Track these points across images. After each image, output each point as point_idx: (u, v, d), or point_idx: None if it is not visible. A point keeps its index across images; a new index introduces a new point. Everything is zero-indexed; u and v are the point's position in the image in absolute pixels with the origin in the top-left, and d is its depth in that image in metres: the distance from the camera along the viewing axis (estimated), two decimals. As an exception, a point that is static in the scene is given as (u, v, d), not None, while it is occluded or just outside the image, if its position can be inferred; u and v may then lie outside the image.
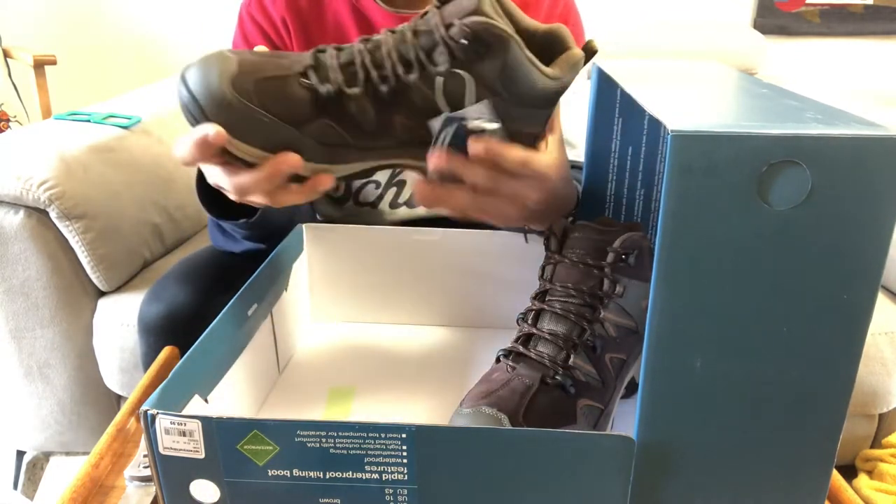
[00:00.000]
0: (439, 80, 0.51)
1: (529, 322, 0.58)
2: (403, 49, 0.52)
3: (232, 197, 0.57)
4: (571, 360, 0.55)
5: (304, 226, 0.77)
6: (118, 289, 1.20)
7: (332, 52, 0.53)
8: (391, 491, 0.45)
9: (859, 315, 0.40)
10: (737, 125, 0.37)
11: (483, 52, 0.50)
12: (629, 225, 0.61)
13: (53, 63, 1.95)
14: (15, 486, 1.30)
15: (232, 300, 0.59)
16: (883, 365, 1.20)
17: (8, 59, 2.04)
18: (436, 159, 0.55)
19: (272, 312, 0.68)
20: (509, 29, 0.50)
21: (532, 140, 0.57)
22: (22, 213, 1.09)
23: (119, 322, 1.16)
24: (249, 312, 0.62)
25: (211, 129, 0.50)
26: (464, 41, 0.50)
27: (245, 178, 0.54)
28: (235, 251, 0.87)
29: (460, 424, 0.52)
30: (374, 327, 0.79)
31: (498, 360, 0.59)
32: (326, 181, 0.55)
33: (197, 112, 0.51)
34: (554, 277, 0.59)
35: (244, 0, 0.94)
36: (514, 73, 0.51)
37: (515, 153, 0.55)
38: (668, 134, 0.36)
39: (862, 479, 1.23)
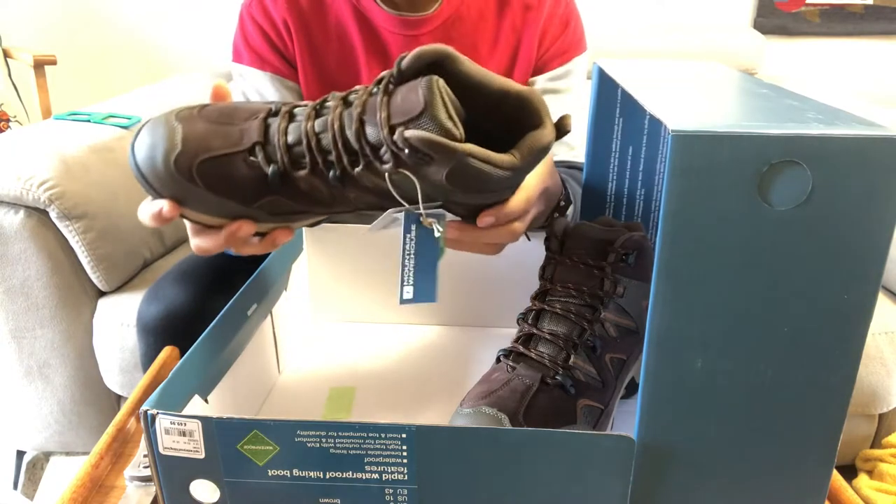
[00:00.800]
0: (387, 173, 0.48)
1: (529, 322, 0.58)
2: (349, 139, 0.48)
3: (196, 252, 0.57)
4: (571, 360, 0.55)
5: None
6: (118, 289, 1.20)
7: (282, 126, 0.50)
8: (391, 491, 0.45)
9: (860, 315, 0.40)
10: (737, 125, 0.37)
11: (428, 161, 0.47)
12: (630, 225, 0.61)
13: (53, 63, 1.94)
14: (15, 486, 1.30)
15: (232, 300, 0.59)
16: (883, 365, 1.19)
17: (8, 59, 2.04)
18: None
19: (272, 312, 0.68)
20: (455, 137, 0.46)
21: (501, 199, 0.54)
22: (22, 213, 1.09)
23: (119, 322, 1.16)
24: (249, 312, 0.62)
25: (165, 205, 0.50)
26: (406, 150, 0.46)
27: (205, 240, 0.54)
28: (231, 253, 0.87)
29: (460, 424, 0.52)
30: (374, 327, 0.79)
31: (498, 360, 0.59)
32: (285, 236, 0.55)
33: (146, 186, 0.51)
34: (554, 277, 0.59)
35: (245, 0, 0.94)
36: (464, 174, 0.47)
37: (485, 220, 0.53)
38: (669, 134, 0.36)
39: (862, 479, 1.23)
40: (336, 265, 0.78)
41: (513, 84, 0.49)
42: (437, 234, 0.53)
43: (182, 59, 2.12)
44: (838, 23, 2.12)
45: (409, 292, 0.54)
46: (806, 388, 0.41)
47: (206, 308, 0.82)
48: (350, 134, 0.48)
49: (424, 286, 0.54)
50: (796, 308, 0.39)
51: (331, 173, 0.49)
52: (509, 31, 0.93)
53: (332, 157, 0.49)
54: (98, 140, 1.24)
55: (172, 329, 0.86)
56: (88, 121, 1.31)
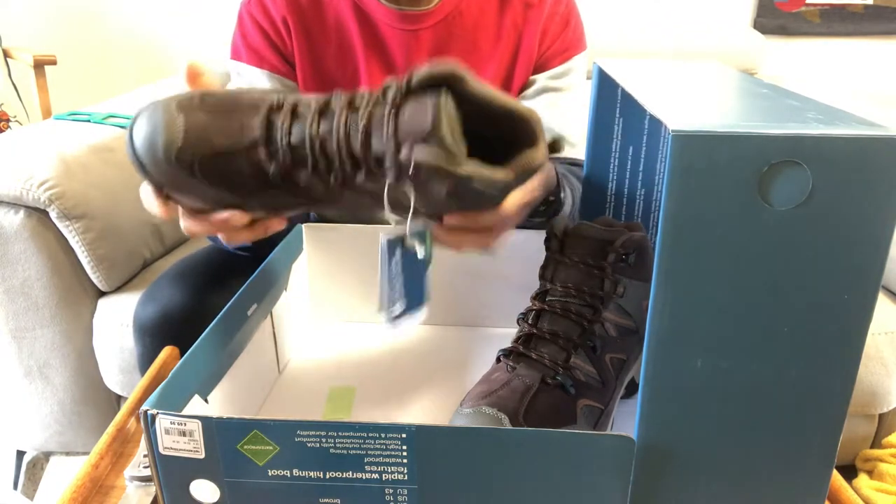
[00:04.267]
0: (387, 186, 0.49)
1: (530, 322, 0.58)
2: (354, 149, 0.48)
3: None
4: (572, 360, 0.55)
5: (303, 226, 0.77)
6: (118, 289, 1.20)
7: (285, 125, 0.50)
8: (391, 491, 0.45)
9: (860, 315, 0.40)
10: (738, 125, 0.37)
11: (428, 182, 0.48)
12: (629, 225, 0.61)
13: (53, 63, 1.95)
14: (15, 486, 1.30)
15: (231, 300, 0.59)
16: (883, 365, 1.19)
17: (8, 59, 2.04)
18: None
19: (272, 312, 0.68)
20: (458, 164, 0.47)
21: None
22: (22, 213, 1.09)
23: (119, 322, 1.16)
24: (249, 312, 0.62)
25: (161, 210, 0.52)
26: (411, 170, 0.47)
27: (195, 224, 0.54)
28: (230, 248, 0.87)
29: (460, 424, 0.52)
30: (374, 327, 0.79)
31: (498, 360, 0.59)
32: (278, 224, 0.55)
33: (142, 171, 0.51)
34: (554, 277, 0.59)
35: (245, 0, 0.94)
36: (464, 193, 0.48)
37: (451, 221, 0.53)
38: (669, 134, 0.36)
39: (862, 479, 1.23)
40: (336, 265, 0.78)
41: (515, 104, 0.50)
42: (420, 256, 0.55)
43: (182, 59, 2.12)
44: (838, 23, 2.12)
45: (399, 308, 0.56)
46: (806, 388, 0.41)
47: (203, 309, 0.82)
48: (355, 144, 0.48)
49: (415, 298, 0.56)
50: (796, 308, 0.39)
51: (332, 176, 0.49)
52: (510, 29, 0.93)
53: (336, 163, 0.49)
54: (98, 140, 1.24)
55: (168, 330, 0.86)
56: (88, 121, 1.31)
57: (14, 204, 1.09)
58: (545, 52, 0.94)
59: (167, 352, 0.76)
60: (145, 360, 0.90)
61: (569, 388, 0.54)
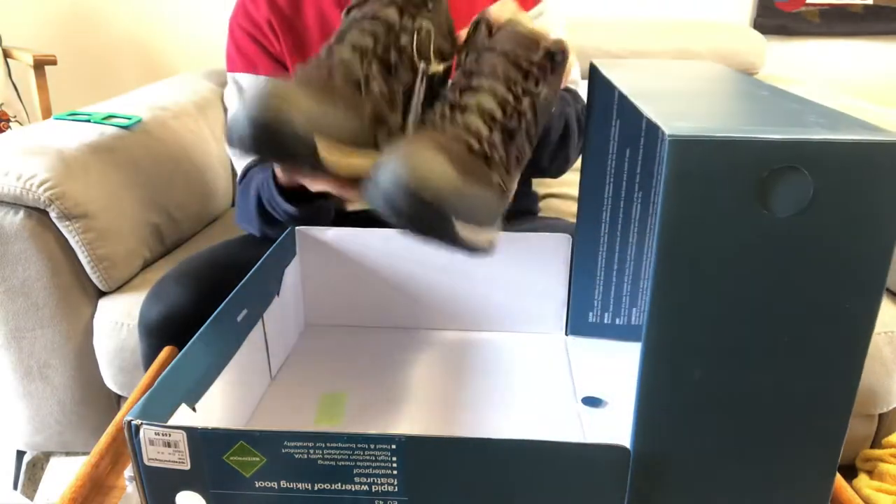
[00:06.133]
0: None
1: (456, 93, 0.59)
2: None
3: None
4: (495, 137, 0.56)
5: (296, 230, 0.76)
6: (118, 289, 1.20)
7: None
8: (381, 503, 0.45)
9: (862, 324, 0.39)
10: (736, 129, 0.36)
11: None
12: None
13: (53, 63, 1.94)
14: (15, 486, 1.30)
15: (221, 306, 0.58)
16: (883, 365, 1.19)
17: (8, 59, 2.04)
18: None
19: (263, 318, 0.67)
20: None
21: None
22: (22, 213, 1.09)
23: (119, 322, 1.16)
24: (239, 318, 0.62)
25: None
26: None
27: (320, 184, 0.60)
28: (256, 234, 0.91)
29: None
30: (367, 331, 0.79)
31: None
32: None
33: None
34: (480, 61, 0.59)
35: (232, 13, 0.97)
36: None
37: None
38: (666, 139, 0.36)
39: (862, 479, 1.23)
40: (328, 270, 0.78)
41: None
42: None
43: (182, 59, 2.12)
44: (838, 23, 2.12)
45: None
46: (806, 398, 0.41)
47: (208, 309, 0.82)
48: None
49: None
50: (797, 317, 0.39)
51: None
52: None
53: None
54: (98, 140, 1.24)
55: (174, 330, 0.86)
56: (88, 121, 1.30)
57: (14, 204, 1.09)
58: None
59: (167, 352, 0.76)
60: (149, 359, 0.90)
61: (490, 157, 0.54)
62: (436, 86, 0.63)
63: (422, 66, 0.61)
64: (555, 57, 0.60)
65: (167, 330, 0.86)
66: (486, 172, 0.54)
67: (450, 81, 0.62)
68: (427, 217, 0.49)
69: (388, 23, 0.59)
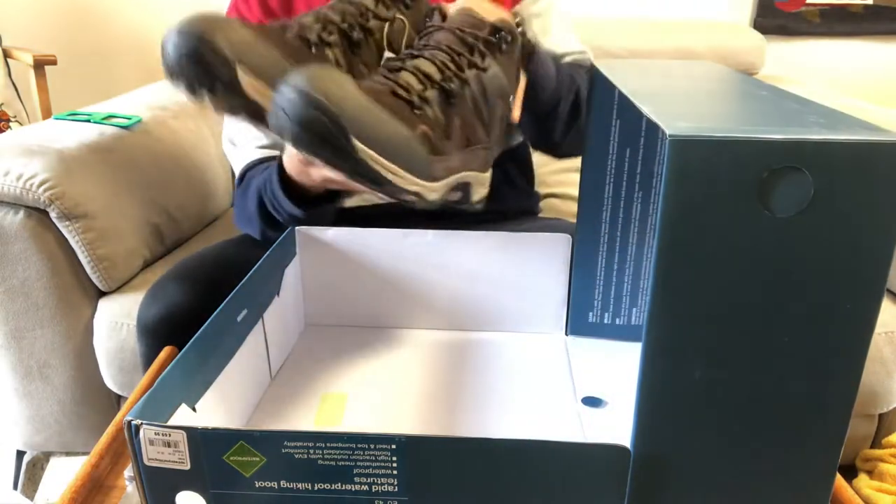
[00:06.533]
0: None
1: (399, 61, 0.60)
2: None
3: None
4: (429, 93, 0.57)
5: (296, 229, 0.76)
6: (118, 289, 1.20)
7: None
8: (381, 503, 0.45)
9: (862, 324, 0.39)
10: (737, 129, 0.36)
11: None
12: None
13: (53, 63, 1.94)
14: (15, 486, 1.30)
15: (221, 306, 0.58)
16: (883, 365, 1.20)
17: (8, 59, 2.04)
18: None
19: (263, 318, 0.67)
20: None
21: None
22: (22, 213, 1.09)
23: (119, 322, 1.16)
24: (239, 318, 0.61)
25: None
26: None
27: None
28: (256, 236, 0.91)
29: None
30: (367, 331, 0.79)
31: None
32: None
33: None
34: (430, 39, 0.61)
35: (225, 13, 0.97)
36: None
37: None
38: (666, 139, 0.36)
39: (862, 479, 1.23)
40: (329, 269, 0.78)
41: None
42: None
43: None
44: (838, 23, 2.12)
45: None
46: (807, 399, 0.41)
47: (206, 309, 0.82)
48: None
49: None
50: (797, 318, 0.39)
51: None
52: None
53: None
54: (98, 140, 1.24)
55: (172, 330, 0.86)
56: (88, 121, 1.30)
57: (14, 204, 1.09)
58: None
59: (167, 352, 0.76)
60: (147, 360, 0.90)
61: (416, 104, 0.55)
62: None
63: (387, 54, 0.62)
64: (500, 33, 0.61)
65: (165, 330, 0.86)
66: (409, 115, 0.54)
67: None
68: (321, 125, 0.49)
69: (362, 6, 0.61)
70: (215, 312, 0.57)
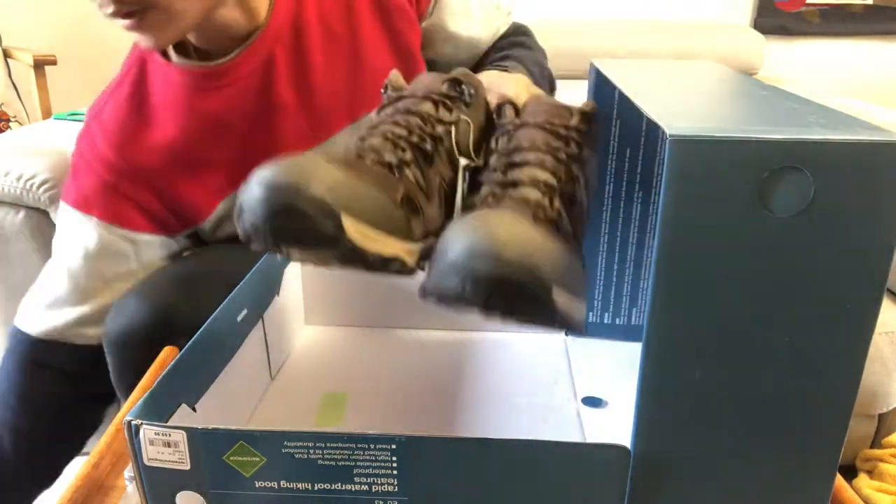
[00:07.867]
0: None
1: (500, 174, 0.53)
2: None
3: None
4: (556, 203, 0.50)
5: None
6: (118, 289, 1.20)
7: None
8: (381, 503, 0.45)
9: (863, 324, 0.39)
10: (737, 129, 0.36)
11: None
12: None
13: (53, 63, 1.95)
14: (15, 486, 1.30)
15: (221, 305, 0.58)
16: (883, 365, 1.20)
17: (8, 59, 2.04)
18: None
19: (264, 318, 0.67)
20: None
21: None
22: (22, 213, 1.09)
23: (119, 322, 1.15)
24: (239, 318, 0.61)
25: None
26: None
27: None
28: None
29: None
30: (368, 331, 0.79)
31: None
32: None
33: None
34: (517, 138, 0.54)
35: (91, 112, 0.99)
36: None
37: None
38: (667, 139, 0.36)
39: (862, 479, 1.23)
40: (328, 270, 0.77)
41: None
42: None
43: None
44: (838, 23, 2.12)
45: None
46: (807, 399, 0.41)
47: (168, 323, 0.81)
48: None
49: None
50: (798, 318, 0.39)
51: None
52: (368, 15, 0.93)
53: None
54: (98, 140, 1.23)
55: (135, 343, 0.84)
56: (88, 121, 1.30)
57: (14, 204, 1.09)
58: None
59: (167, 352, 0.76)
60: (117, 372, 0.88)
61: (562, 226, 0.49)
62: (475, 178, 0.57)
63: (462, 161, 0.55)
64: (590, 117, 0.56)
65: (128, 344, 0.84)
66: (563, 239, 0.47)
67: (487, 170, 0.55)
68: (517, 287, 0.41)
69: (423, 115, 0.55)
70: (216, 312, 0.57)
